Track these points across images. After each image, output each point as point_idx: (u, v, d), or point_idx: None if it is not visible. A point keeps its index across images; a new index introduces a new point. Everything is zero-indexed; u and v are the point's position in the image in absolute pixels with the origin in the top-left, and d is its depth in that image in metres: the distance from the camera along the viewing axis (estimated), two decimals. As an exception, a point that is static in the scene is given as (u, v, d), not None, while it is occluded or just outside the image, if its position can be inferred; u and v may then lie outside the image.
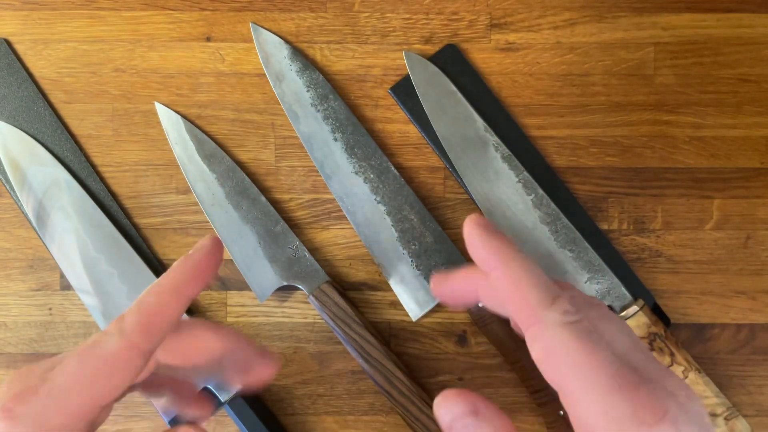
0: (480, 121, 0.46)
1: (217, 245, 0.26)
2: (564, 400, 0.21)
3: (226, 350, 0.28)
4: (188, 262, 0.25)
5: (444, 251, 0.45)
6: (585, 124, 0.47)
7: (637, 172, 0.47)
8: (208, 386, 0.44)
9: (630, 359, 0.21)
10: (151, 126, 0.47)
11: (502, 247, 0.23)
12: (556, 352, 0.21)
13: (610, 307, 0.44)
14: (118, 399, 0.24)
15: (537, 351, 0.21)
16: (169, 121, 0.47)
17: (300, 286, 0.45)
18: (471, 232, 0.23)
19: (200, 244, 0.25)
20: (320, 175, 0.47)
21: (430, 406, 0.43)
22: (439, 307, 0.46)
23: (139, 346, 0.23)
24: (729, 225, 0.46)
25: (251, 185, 0.46)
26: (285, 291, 0.46)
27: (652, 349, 0.43)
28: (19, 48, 0.47)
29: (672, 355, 0.43)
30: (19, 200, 0.46)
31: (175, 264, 0.25)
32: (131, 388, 0.27)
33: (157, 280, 0.25)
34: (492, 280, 0.23)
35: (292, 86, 0.46)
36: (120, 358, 0.23)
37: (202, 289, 0.25)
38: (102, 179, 0.47)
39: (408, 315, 0.45)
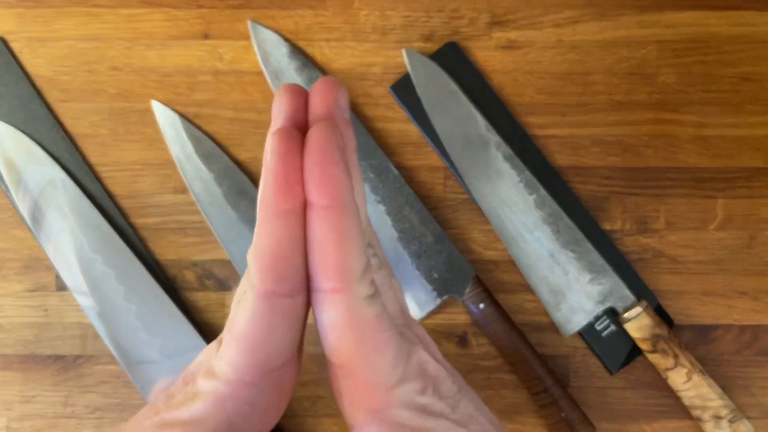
0: (481, 120, 0.45)
1: (284, 138, 0.19)
2: (339, 370, 0.21)
3: None
4: (264, 171, 0.19)
5: (444, 251, 0.45)
6: (587, 123, 0.47)
7: (640, 171, 0.46)
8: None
9: (398, 321, 0.22)
10: (149, 125, 0.47)
11: (346, 185, 0.18)
12: (352, 327, 0.20)
13: (613, 309, 0.44)
14: (299, 347, 0.22)
15: (331, 319, 0.20)
16: (166, 120, 0.46)
17: (299, 287, 0.45)
18: (324, 145, 0.18)
19: (267, 145, 0.19)
20: (319, 175, 0.46)
21: (431, 408, 0.43)
22: (439, 308, 0.45)
23: (272, 290, 0.19)
24: (732, 225, 0.46)
25: (249, 185, 0.46)
26: (284, 292, 0.45)
27: (655, 351, 0.43)
28: (15, 46, 0.47)
29: (675, 356, 0.42)
30: (15, 200, 0.45)
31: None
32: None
33: None
34: (316, 215, 0.18)
35: (291, 85, 0.46)
36: (260, 312, 0.20)
37: (298, 192, 0.18)
38: (99, 179, 0.46)
39: (408, 316, 0.45)
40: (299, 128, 0.20)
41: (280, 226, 0.19)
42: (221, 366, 0.21)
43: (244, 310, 0.20)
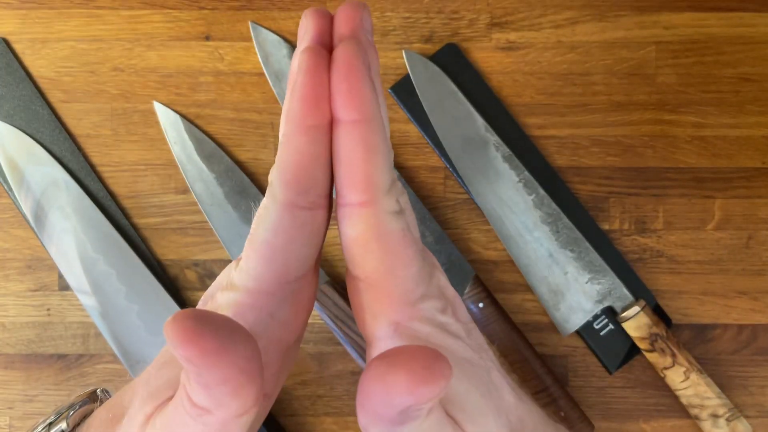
0: (480, 121, 0.46)
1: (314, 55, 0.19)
2: (362, 283, 0.21)
3: None
4: (291, 89, 0.20)
5: (444, 251, 0.45)
6: (586, 124, 0.47)
7: (639, 171, 0.46)
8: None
9: (419, 242, 0.22)
10: (150, 125, 0.47)
11: (373, 101, 0.18)
12: (379, 240, 0.19)
13: (612, 308, 0.44)
14: (316, 264, 0.22)
15: (358, 232, 0.19)
16: (167, 120, 0.46)
17: (299, 287, 0.45)
18: (351, 60, 0.18)
19: (294, 63, 0.19)
20: (320, 175, 0.46)
21: (431, 407, 0.43)
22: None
23: (293, 201, 0.20)
24: (731, 225, 0.46)
25: (250, 185, 0.46)
26: (284, 291, 0.46)
27: (654, 350, 0.43)
28: (18, 47, 0.47)
29: (674, 356, 0.43)
30: (17, 200, 0.45)
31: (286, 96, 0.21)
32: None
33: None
34: (344, 131, 0.18)
35: (292, 85, 0.46)
36: (281, 221, 0.20)
37: (324, 109, 0.19)
38: (100, 179, 0.47)
39: (408, 315, 0.45)
40: (326, 48, 0.20)
41: (305, 141, 0.19)
42: (241, 277, 0.21)
43: (265, 220, 0.20)
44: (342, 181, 0.19)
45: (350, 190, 0.19)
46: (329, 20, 0.21)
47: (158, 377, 0.22)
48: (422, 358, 0.16)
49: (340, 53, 0.18)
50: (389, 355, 0.16)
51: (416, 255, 0.20)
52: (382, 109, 0.20)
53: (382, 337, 0.21)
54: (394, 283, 0.20)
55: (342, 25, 0.20)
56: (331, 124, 0.19)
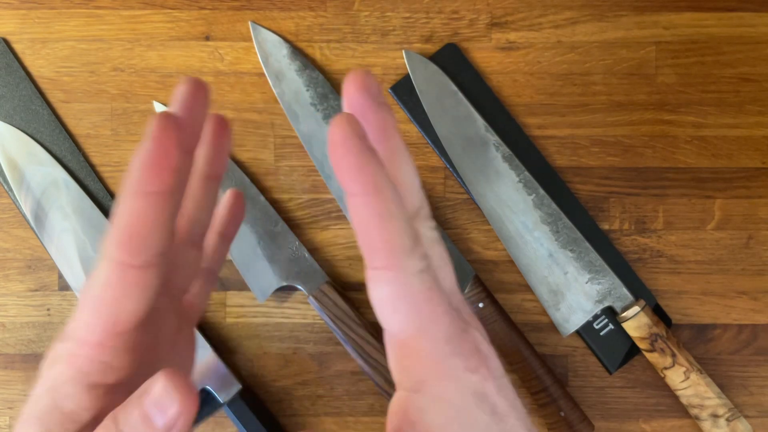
0: (480, 121, 0.46)
1: (170, 121, 0.20)
2: (397, 349, 0.21)
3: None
4: (138, 153, 0.20)
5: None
6: (586, 124, 0.47)
7: (639, 171, 0.47)
8: (208, 387, 0.44)
9: (452, 299, 0.22)
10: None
11: (376, 170, 0.19)
12: (405, 300, 0.20)
13: (612, 308, 0.44)
14: (144, 322, 0.22)
15: (384, 294, 0.20)
16: (168, 120, 0.46)
17: (299, 287, 0.45)
18: (345, 145, 0.18)
19: (149, 124, 0.20)
20: (320, 175, 0.46)
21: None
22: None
23: (124, 261, 0.20)
24: (730, 225, 0.46)
25: (250, 185, 0.46)
26: (284, 291, 0.46)
27: (653, 350, 0.43)
28: (18, 47, 0.47)
29: (673, 355, 0.43)
30: (18, 200, 0.45)
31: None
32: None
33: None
34: (354, 203, 0.19)
35: (292, 85, 0.46)
36: (110, 279, 0.20)
37: (164, 179, 0.19)
38: (100, 179, 0.47)
39: (408, 315, 0.45)
40: (189, 119, 0.22)
41: (142, 206, 0.20)
42: (73, 328, 0.22)
43: (97, 275, 0.21)
44: (364, 247, 0.20)
45: (371, 256, 0.20)
46: (197, 89, 0.22)
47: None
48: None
49: (334, 132, 0.19)
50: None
51: (445, 312, 0.21)
52: (400, 165, 0.21)
53: (408, 391, 0.21)
54: (422, 341, 0.20)
55: (349, 96, 0.21)
56: (173, 191, 0.20)
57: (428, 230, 0.22)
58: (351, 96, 0.20)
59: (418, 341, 0.20)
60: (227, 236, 0.31)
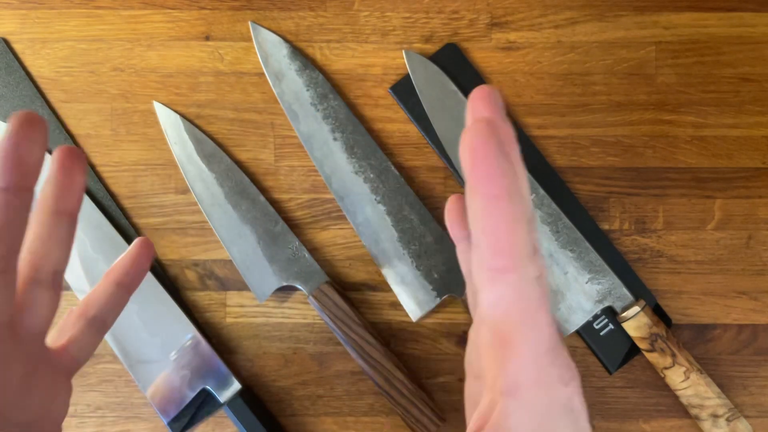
0: (480, 121, 0.46)
1: None
2: (496, 352, 0.21)
3: None
4: None
5: (444, 251, 0.45)
6: (586, 124, 0.47)
7: (639, 171, 0.47)
8: (208, 387, 0.44)
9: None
10: (150, 125, 0.47)
11: (513, 174, 0.20)
12: (519, 302, 0.20)
13: (612, 308, 0.44)
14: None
15: (502, 295, 0.20)
16: (168, 120, 0.46)
17: (299, 287, 0.45)
18: (487, 145, 0.19)
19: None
20: (320, 175, 0.46)
21: (431, 407, 0.43)
22: (439, 308, 0.45)
23: None
24: (731, 225, 0.46)
25: (250, 185, 0.46)
26: (284, 291, 0.46)
27: (653, 350, 0.43)
28: (17, 47, 0.47)
29: (673, 355, 0.43)
30: (17, 200, 0.45)
31: None
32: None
33: None
34: (487, 205, 0.20)
35: (292, 85, 0.46)
36: None
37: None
38: (100, 179, 0.47)
39: (408, 315, 0.45)
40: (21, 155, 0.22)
41: None
42: None
43: None
44: (488, 251, 0.20)
45: (496, 258, 0.20)
46: (28, 126, 0.23)
47: None
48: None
49: (475, 134, 0.19)
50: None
51: (550, 323, 0.21)
52: (521, 180, 0.21)
53: (499, 393, 0.21)
54: (525, 347, 0.21)
55: (478, 109, 0.21)
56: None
57: (536, 240, 0.23)
58: (478, 109, 0.21)
59: (523, 344, 0.21)
60: (125, 286, 0.30)
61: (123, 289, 0.30)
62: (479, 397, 0.23)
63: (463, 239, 0.28)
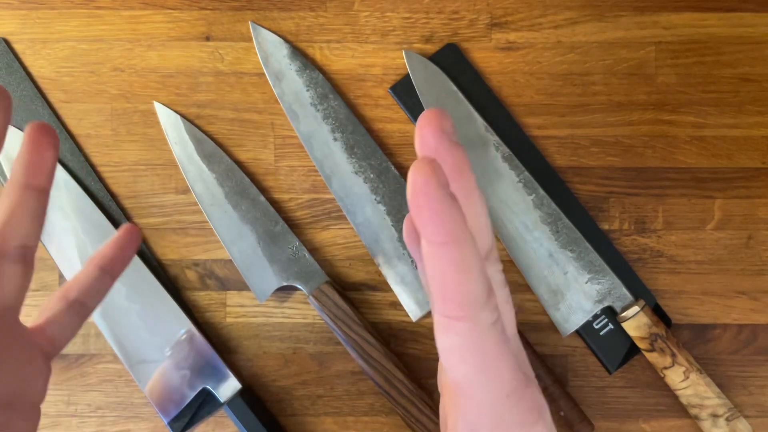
0: (480, 121, 0.46)
1: None
2: (454, 398, 0.21)
3: None
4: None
5: (444, 251, 0.45)
6: (586, 124, 0.47)
7: (638, 171, 0.47)
8: (208, 387, 0.44)
9: (512, 346, 0.21)
10: (150, 126, 0.47)
11: (459, 220, 0.18)
12: (474, 353, 0.20)
13: (611, 308, 0.44)
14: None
15: (454, 344, 0.19)
16: (168, 120, 0.46)
17: (299, 287, 0.45)
18: (428, 193, 0.18)
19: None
20: (320, 175, 0.46)
21: (431, 407, 0.43)
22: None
23: None
24: (730, 225, 0.46)
25: (251, 185, 0.46)
26: (284, 291, 0.46)
27: (653, 350, 0.43)
28: (18, 47, 0.47)
29: (673, 355, 0.43)
30: (18, 200, 0.45)
31: None
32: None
33: None
34: (431, 251, 0.18)
35: (292, 86, 0.46)
36: None
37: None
38: (101, 179, 0.47)
39: (408, 315, 0.45)
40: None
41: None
42: None
43: None
44: (436, 295, 0.19)
45: (445, 306, 0.19)
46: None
47: None
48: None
49: (416, 177, 0.18)
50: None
51: (511, 367, 0.20)
52: (475, 211, 0.20)
53: None
54: (483, 393, 0.20)
55: (424, 137, 0.20)
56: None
57: (496, 273, 0.22)
58: (425, 136, 0.20)
59: (480, 392, 0.20)
60: (109, 272, 0.30)
61: (106, 275, 0.30)
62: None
63: (421, 260, 0.27)
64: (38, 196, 0.25)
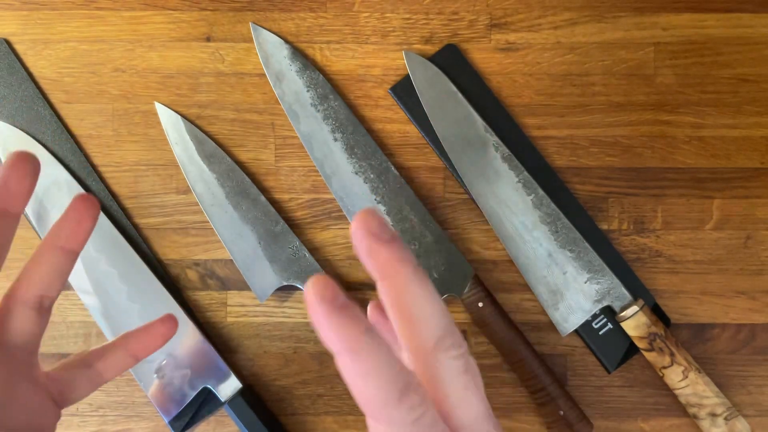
0: (480, 121, 0.46)
1: None
2: None
3: None
4: None
5: (444, 251, 0.45)
6: (585, 124, 0.47)
7: (638, 172, 0.47)
8: (208, 386, 0.44)
9: (479, 426, 0.21)
10: (151, 126, 0.47)
11: (350, 330, 0.19)
12: None
13: (610, 308, 0.44)
14: None
15: None
16: (169, 121, 0.47)
17: (300, 286, 0.45)
18: (315, 309, 0.19)
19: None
20: (320, 175, 0.47)
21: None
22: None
23: None
24: (729, 225, 0.46)
25: (251, 185, 0.46)
26: (285, 291, 0.46)
27: (652, 349, 0.43)
28: (19, 48, 0.47)
29: (672, 355, 0.43)
30: (19, 200, 0.46)
31: None
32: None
33: None
34: (337, 360, 0.19)
35: (292, 86, 0.46)
36: None
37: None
38: (102, 179, 0.47)
39: (408, 315, 0.45)
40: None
41: None
42: None
43: None
44: (356, 397, 0.20)
45: (362, 407, 0.20)
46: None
47: None
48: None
49: (307, 295, 0.19)
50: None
51: None
52: (414, 292, 0.20)
53: None
54: None
55: (355, 235, 0.20)
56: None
57: (452, 361, 0.21)
58: (357, 239, 0.20)
59: None
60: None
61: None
62: None
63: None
64: (68, 257, 0.27)
